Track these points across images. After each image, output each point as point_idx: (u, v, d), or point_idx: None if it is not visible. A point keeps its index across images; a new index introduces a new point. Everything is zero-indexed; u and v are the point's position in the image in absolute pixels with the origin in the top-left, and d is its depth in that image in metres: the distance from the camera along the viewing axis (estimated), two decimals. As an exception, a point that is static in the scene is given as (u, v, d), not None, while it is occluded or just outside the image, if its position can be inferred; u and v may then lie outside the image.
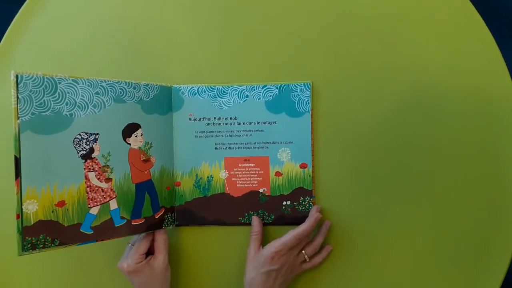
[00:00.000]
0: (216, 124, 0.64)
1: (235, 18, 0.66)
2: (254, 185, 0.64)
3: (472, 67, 0.62)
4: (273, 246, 0.57)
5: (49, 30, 0.68)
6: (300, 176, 0.63)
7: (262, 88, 0.63)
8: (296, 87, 0.63)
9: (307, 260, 0.60)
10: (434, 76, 0.63)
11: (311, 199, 0.63)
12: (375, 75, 0.64)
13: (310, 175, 0.63)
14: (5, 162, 0.66)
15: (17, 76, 0.48)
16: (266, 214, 0.64)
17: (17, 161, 0.48)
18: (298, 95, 0.63)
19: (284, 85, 0.63)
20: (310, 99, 0.63)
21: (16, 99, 0.48)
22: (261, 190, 0.64)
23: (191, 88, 0.64)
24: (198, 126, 0.64)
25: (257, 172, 0.64)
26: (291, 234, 0.58)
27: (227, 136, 0.64)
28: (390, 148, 0.63)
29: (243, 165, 0.64)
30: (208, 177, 0.64)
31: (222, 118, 0.64)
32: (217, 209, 0.64)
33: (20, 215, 0.48)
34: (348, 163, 0.64)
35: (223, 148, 0.64)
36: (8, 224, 0.65)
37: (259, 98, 0.63)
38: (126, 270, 0.57)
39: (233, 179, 0.64)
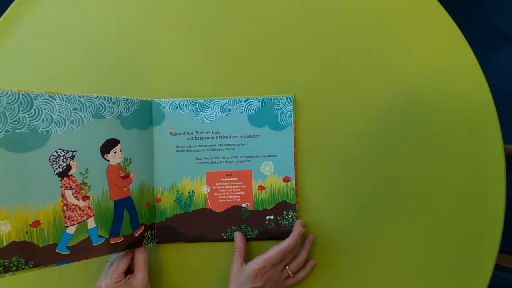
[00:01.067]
0: (198, 138, 0.63)
1: (217, 32, 0.66)
2: (236, 199, 0.63)
3: (453, 78, 0.63)
4: (256, 263, 0.56)
5: (28, 43, 0.66)
6: (283, 190, 0.63)
7: (244, 102, 0.63)
8: (279, 100, 0.63)
9: (291, 275, 0.60)
10: (418, 89, 0.63)
11: (294, 213, 0.62)
12: (357, 87, 0.64)
13: (293, 189, 0.62)
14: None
15: (-10, 93, 0.47)
16: (249, 229, 0.63)
17: (-11, 181, 0.47)
18: (281, 108, 0.63)
19: (267, 98, 0.63)
20: (292, 112, 0.63)
21: (-11, 116, 0.47)
22: (244, 205, 0.63)
23: (172, 102, 0.63)
24: (179, 140, 0.63)
25: (239, 186, 0.63)
26: (274, 250, 0.57)
27: (209, 150, 0.63)
28: (373, 161, 0.63)
29: (225, 179, 0.63)
30: (189, 192, 0.63)
31: (204, 132, 0.63)
32: (198, 225, 0.62)
33: (-8, 236, 0.47)
34: (331, 176, 0.63)
35: (205, 163, 0.63)
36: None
37: (242, 112, 0.63)
38: (104, 290, 0.55)
39: (215, 194, 0.63)
